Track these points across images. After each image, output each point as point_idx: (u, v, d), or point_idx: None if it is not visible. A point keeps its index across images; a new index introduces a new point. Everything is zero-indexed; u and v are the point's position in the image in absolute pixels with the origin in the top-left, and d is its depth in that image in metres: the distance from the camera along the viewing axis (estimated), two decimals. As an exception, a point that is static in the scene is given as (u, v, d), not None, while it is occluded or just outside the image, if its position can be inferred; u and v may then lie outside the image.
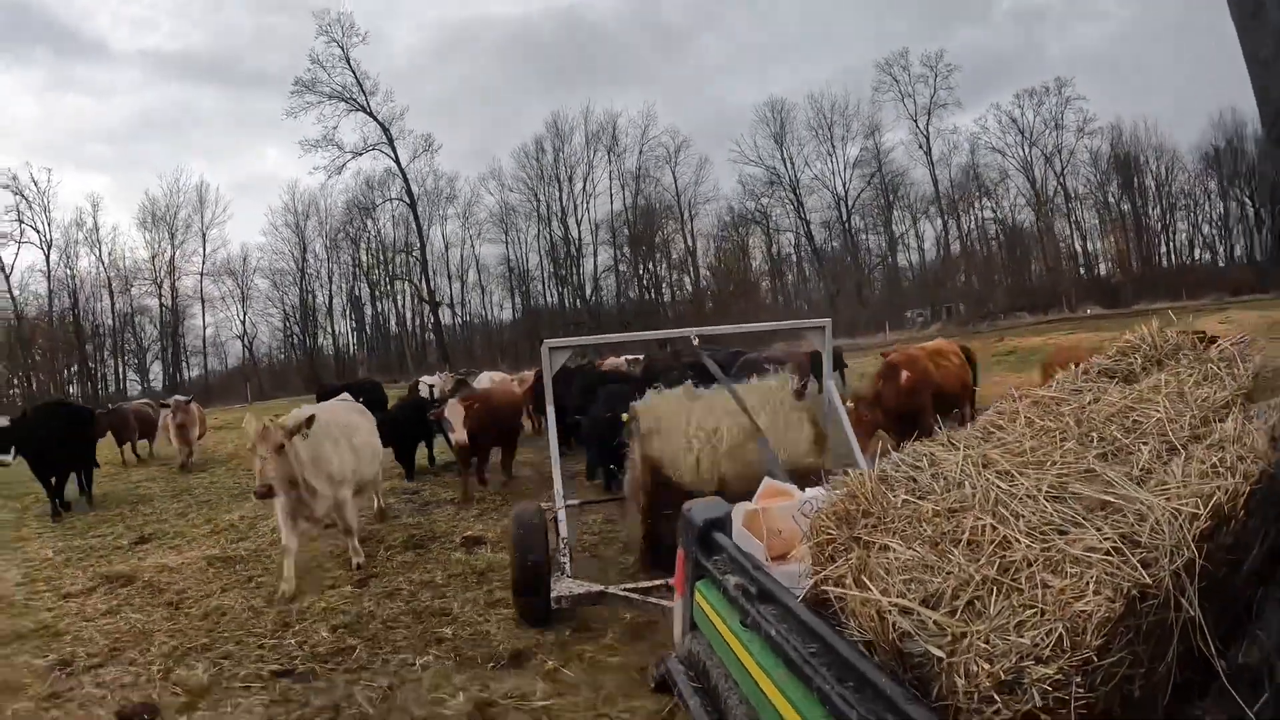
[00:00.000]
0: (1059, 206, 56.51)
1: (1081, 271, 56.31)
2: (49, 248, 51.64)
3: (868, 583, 1.94)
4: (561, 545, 5.65)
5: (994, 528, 1.90)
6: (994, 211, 57.90)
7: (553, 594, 5.25)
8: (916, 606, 1.84)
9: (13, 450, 11.05)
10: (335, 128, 53.29)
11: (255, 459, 6.40)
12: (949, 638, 1.80)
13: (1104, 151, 54.87)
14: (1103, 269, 56.86)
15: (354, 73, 52.77)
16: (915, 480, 2.14)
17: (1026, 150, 56.19)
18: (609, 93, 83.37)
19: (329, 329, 57.79)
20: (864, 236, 58.75)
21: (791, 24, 77.64)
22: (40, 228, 51.51)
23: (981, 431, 2.36)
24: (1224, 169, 53.84)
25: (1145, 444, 2.14)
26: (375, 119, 53.54)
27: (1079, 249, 57.26)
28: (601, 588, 5.24)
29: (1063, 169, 55.98)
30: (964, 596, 1.81)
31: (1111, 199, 56.02)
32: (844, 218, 57.24)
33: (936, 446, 2.28)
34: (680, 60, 77.14)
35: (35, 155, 78.19)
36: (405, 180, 54.08)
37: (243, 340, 55.77)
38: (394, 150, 53.96)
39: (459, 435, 9.47)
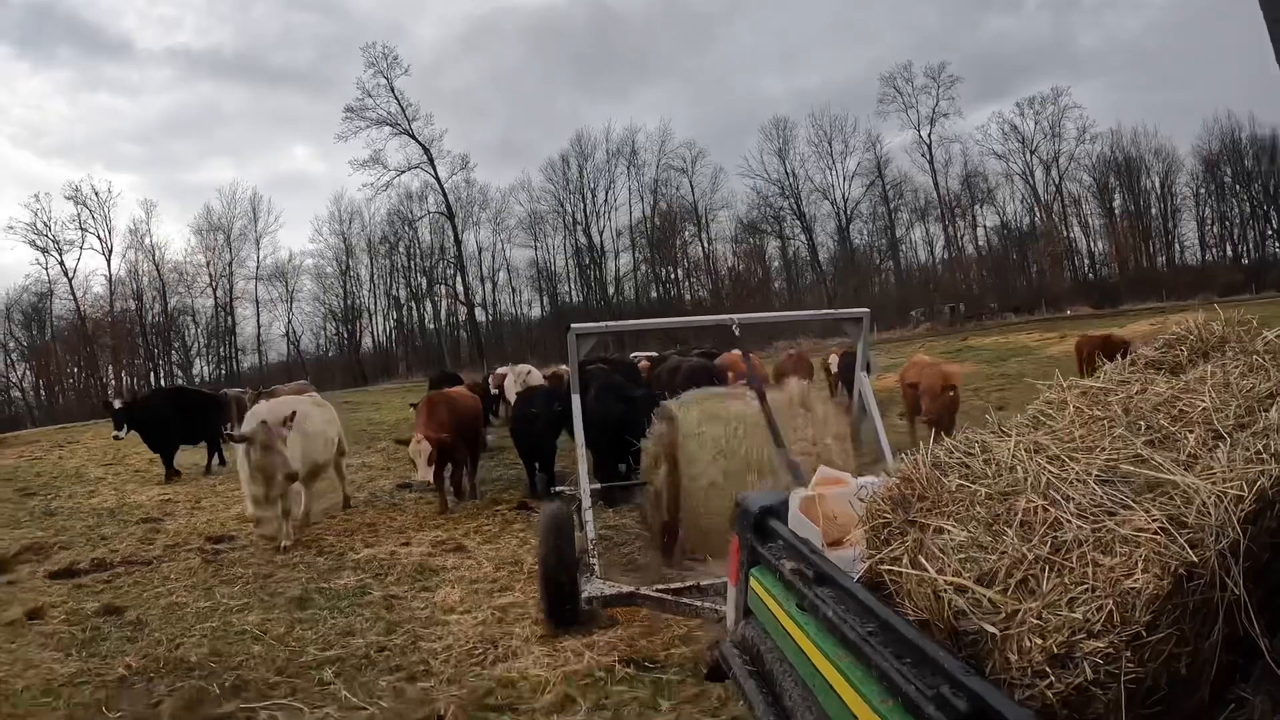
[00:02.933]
0: (1057, 211, 59.04)
1: (1088, 273, 58.52)
2: (109, 254, 58.20)
3: (924, 563, 2.10)
4: (590, 546, 5.74)
5: (1045, 509, 2.04)
6: (999, 215, 60.52)
7: (583, 594, 5.34)
8: (972, 585, 1.99)
9: (125, 427, 13.93)
10: (382, 150, 59.48)
11: (272, 454, 7.65)
12: (1003, 615, 1.94)
13: (1103, 155, 57.08)
14: (1098, 271, 58.86)
15: (398, 101, 59.11)
16: (968, 466, 2.29)
17: (1027, 157, 58.67)
18: (629, 83, 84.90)
19: (371, 327, 64.32)
20: (868, 238, 62.65)
21: (821, 13, 78.97)
22: (102, 235, 57.92)
23: (1031, 420, 2.51)
24: (1220, 171, 55.56)
25: (1191, 432, 2.27)
26: (417, 141, 59.86)
27: (1084, 248, 59.77)
28: (632, 588, 5.35)
29: (1060, 176, 58.35)
30: (1017, 575, 1.96)
31: (1109, 202, 58.10)
32: (844, 226, 61.66)
33: (988, 435, 2.43)
34: (703, 50, 78.69)
35: (67, 155, 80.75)
36: (444, 195, 60.38)
37: (288, 338, 62.00)
38: (434, 168, 60.31)
39: (420, 475, 9.20)
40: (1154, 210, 57.36)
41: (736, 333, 6.65)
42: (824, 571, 2.36)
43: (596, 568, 5.61)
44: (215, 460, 15.24)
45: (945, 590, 2.02)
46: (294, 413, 8.07)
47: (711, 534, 5.87)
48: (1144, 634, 1.83)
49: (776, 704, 2.53)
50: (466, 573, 7.15)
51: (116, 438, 14.20)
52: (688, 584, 5.26)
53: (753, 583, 2.81)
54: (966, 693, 1.76)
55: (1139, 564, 1.88)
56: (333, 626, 6.14)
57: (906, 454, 2.43)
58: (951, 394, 9.83)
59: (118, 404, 14.39)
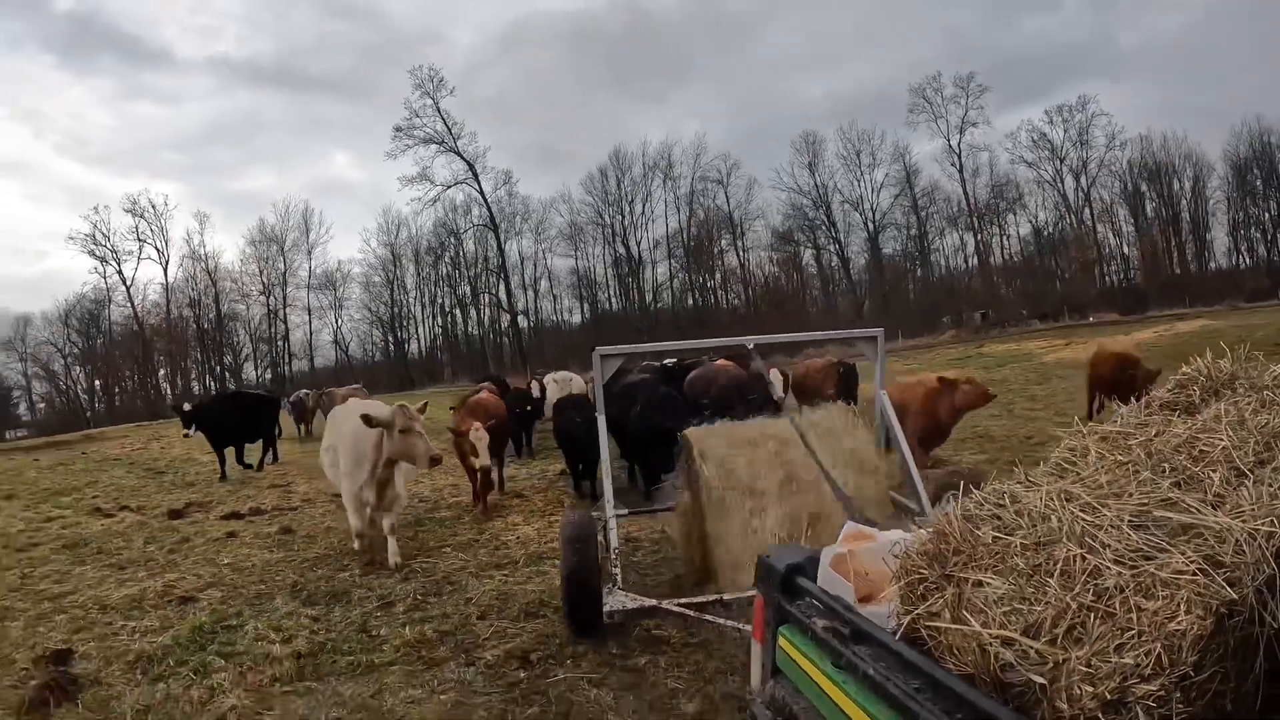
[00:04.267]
0: (1085, 219, 61.69)
1: (1119, 279, 61.07)
2: (166, 263, 65.75)
3: (969, 617, 2.13)
4: (613, 556, 5.73)
5: (1084, 557, 2.09)
6: (1031, 222, 63.70)
7: (605, 607, 5.34)
8: (1019, 637, 2.03)
9: (193, 427, 15.42)
10: (429, 166, 66.51)
11: (414, 437, 7.71)
12: (1050, 665, 1.99)
13: (1134, 161, 59.67)
14: (1130, 277, 61.14)
15: (444, 120, 66.05)
16: (1000, 518, 2.34)
17: (1057, 165, 61.76)
18: (665, 87, 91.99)
19: (417, 334, 71.56)
20: (899, 246, 66.84)
21: (858, 14, 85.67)
22: (160, 246, 65.54)
23: (1055, 469, 2.57)
24: (1251, 175, 57.49)
25: (1214, 471, 2.33)
26: (463, 158, 66.74)
27: (1114, 254, 62.60)
28: (654, 602, 5.36)
29: (1090, 183, 61.05)
30: (1063, 624, 2.00)
31: (1140, 208, 60.62)
32: (873, 236, 65.91)
33: (1015, 485, 2.49)
34: (738, 53, 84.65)
35: (109, 163, 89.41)
36: (489, 209, 67.06)
37: (337, 343, 69.61)
38: (479, 183, 67.24)
39: (483, 460, 9.88)
40: (1184, 216, 59.66)
41: (750, 348, 6.89)
42: (861, 629, 2.38)
43: (618, 579, 5.62)
44: (269, 456, 17.14)
45: (991, 644, 2.06)
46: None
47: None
48: (1192, 674, 1.88)
49: (818, 765, 2.53)
50: (526, 506, 10.73)
51: (186, 435, 15.93)
52: (710, 599, 5.26)
53: (782, 641, 2.82)
54: None
55: (1181, 606, 1.92)
56: (443, 534, 9.56)
57: (938, 507, 2.47)
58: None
59: (187, 406, 15.97)
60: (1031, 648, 2.00)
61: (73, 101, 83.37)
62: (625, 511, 6.77)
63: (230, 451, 15.95)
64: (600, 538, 5.81)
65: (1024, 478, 2.53)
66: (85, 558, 9.52)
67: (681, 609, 5.24)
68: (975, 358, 31.42)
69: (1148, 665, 1.88)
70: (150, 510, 12.50)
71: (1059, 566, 2.10)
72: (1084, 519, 2.20)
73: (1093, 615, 1.99)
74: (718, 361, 14.38)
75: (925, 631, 2.30)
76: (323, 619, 6.61)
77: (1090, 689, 1.90)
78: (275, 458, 17.22)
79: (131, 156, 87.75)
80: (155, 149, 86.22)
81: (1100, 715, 1.88)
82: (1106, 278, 60.65)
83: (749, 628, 4.70)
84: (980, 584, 2.19)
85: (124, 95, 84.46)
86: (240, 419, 16.15)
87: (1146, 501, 2.24)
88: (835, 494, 5.53)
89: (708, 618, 5.14)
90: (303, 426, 23.73)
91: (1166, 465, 2.41)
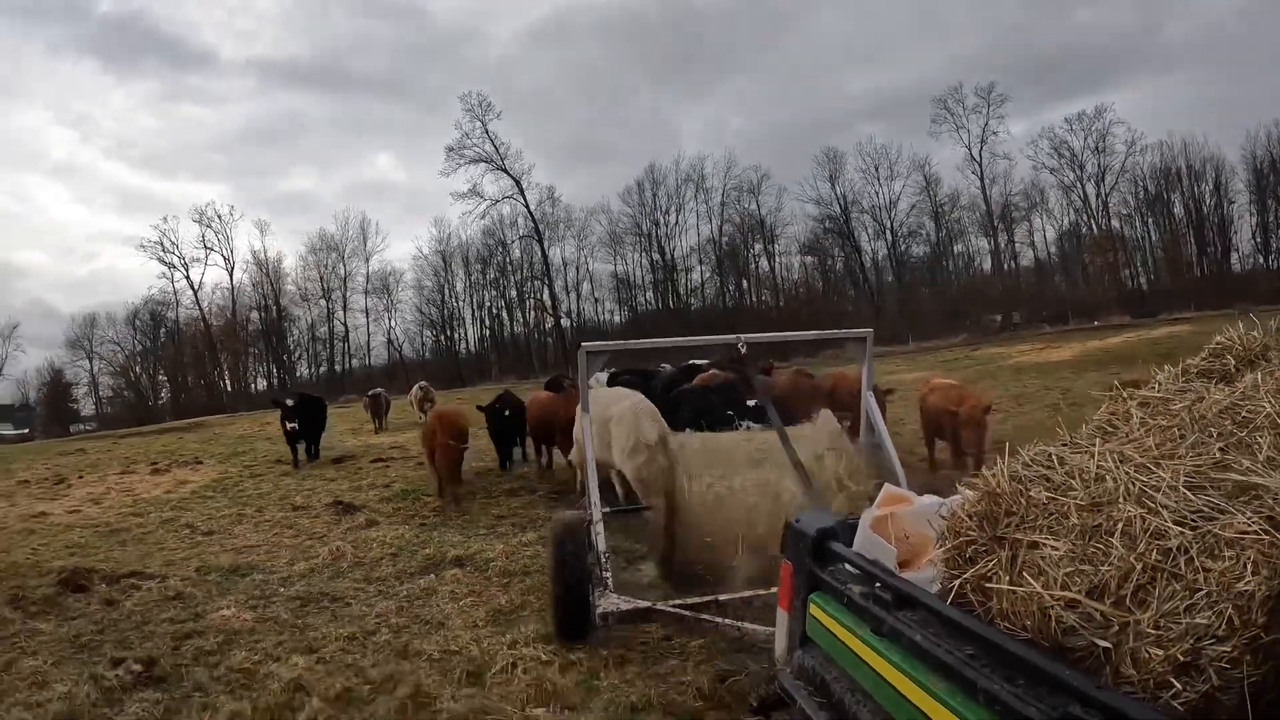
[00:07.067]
0: (1104, 224, 62.17)
1: (1141, 283, 61.31)
2: (232, 270, 70.77)
3: (1029, 579, 2.07)
4: (603, 559, 5.56)
5: (1144, 518, 2.04)
6: (1055, 227, 64.70)
7: (597, 610, 5.16)
8: (1084, 599, 1.97)
9: (297, 419, 16.94)
10: (478, 182, 70.12)
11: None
12: (1115, 628, 1.94)
13: (1154, 165, 59.67)
14: (1150, 280, 61.48)
15: (492, 142, 70.11)
16: (1049, 479, 2.28)
17: (1077, 171, 62.24)
18: (706, 81, 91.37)
19: (465, 335, 75.64)
20: (919, 249, 68.97)
21: (903, 7, 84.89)
22: (226, 254, 70.43)
23: (1099, 432, 2.52)
24: (1267, 179, 57.07)
25: (1262, 436, 2.30)
26: (509, 174, 70.79)
27: (1132, 259, 62.65)
28: (648, 604, 5.18)
29: (1109, 190, 61.44)
30: (1129, 586, 1.95)
31: (1162, 212, 60.57)
32: (893, 244, 68.62)
33: (1059, 448, 2.43)
34: (779, 45, 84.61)
35: (155, 165, 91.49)
36: (534, 221, 71.43)
37: (390, 344, 74.18)
38: (524, 198, 71.43)
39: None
40: (1206, 220, 59.40)
41: (743, 350, 6.60)
42: (907, 594, 2.32)
43: (609, 582, 5.44)
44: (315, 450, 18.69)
45: (1054, 606, 2.00)
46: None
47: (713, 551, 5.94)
48: (1262, 635, 1.84)
49: (856, 737, 2.47)
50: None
51: (295, 429, 17.05)
52: (706, 599, 5.14)
53: (813, 609, 2.74)
54: (1101, 709, 1.72)
55: (1248, 566, 1.88)
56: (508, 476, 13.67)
57: (984, 470, 2.41)
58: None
59: (289, 402, 17.49)
60: (1097, 610, 1.95)
61: (118, 105, 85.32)
62: (609, 509, 6.64)
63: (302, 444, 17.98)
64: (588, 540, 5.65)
65: (1070, 440, 2.48)
66: (306, 477, 15.08)
67: (677, 610, 5.08)
68: (960, 360, 32.08)
69: (1220, 626, 1.83)
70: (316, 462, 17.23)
71: (1119, 527, 2.05)
72: (1140, 479, 2.16)
73: (1159, 576, 1.94)
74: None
75: (973, 597, 2.25)
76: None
77: (1160, 651, 1.86)
78: (316, 454, 18.44)
79: (177, 158, 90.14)
80: (200, 150, 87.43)
81: (1172, 679, 1.84)
82: (1125, 282, 60.80)
83: (748, 626, 4.68)
84: (1036, 545, 2.13)
85: (167, 98, 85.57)
86: (309, 418, 17.73)
87: (1200, 463, 2.20)
88: (801, 481, 5.54)
89: (704, 617, 5.00)
90: (379, 420, 26.42)
91: (1213, 430, 2.37)
